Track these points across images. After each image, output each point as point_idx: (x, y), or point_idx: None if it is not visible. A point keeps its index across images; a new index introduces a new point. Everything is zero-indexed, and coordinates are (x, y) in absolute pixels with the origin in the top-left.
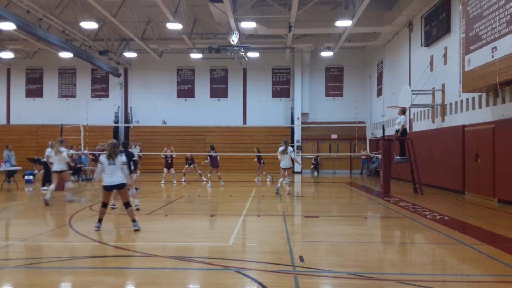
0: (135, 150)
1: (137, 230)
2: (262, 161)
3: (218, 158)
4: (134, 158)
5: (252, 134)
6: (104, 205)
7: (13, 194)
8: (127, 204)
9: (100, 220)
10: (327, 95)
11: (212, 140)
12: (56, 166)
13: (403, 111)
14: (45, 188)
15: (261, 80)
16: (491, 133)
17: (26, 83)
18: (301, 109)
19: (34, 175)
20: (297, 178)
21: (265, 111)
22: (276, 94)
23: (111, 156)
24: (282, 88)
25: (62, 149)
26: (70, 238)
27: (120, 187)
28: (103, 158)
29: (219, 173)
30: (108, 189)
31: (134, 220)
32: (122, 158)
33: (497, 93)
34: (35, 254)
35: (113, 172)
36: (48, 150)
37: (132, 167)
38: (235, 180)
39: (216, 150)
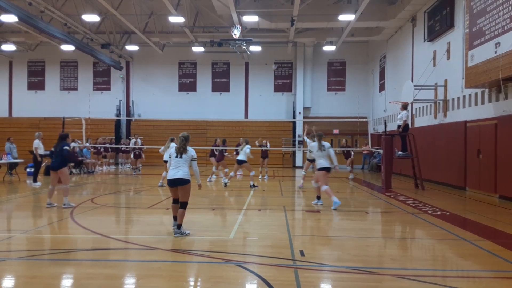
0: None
1: (176, 237)
2: (267, 156)
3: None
4: (65, 147)
5: (254, 129)
6: (174, 201)
7: (15, 186)
8: (183, 204)
9: (175, 218)
10: (329, 89)
11: (214, 134)
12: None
13: (405, 107)
14: (37, 183)
15: (263, 74)
16: (493, 129)
17: (28, 76)
18: (303, 103)
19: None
20: (298, 173)
21: (267, 105)
22: (278, 88)
23: (180, 150)
24: (284, 82)
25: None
26: (72, 230)
27: (182, 182)
28: (173, 151)
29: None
30: (171, 184)
31: (179, 226)
32: (191, 152)
33: (500, 89)
34: (37, 246)
35: (177, 166)
36: (36, 141)
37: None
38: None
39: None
